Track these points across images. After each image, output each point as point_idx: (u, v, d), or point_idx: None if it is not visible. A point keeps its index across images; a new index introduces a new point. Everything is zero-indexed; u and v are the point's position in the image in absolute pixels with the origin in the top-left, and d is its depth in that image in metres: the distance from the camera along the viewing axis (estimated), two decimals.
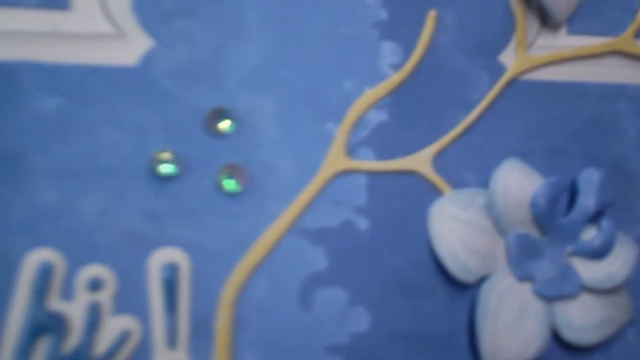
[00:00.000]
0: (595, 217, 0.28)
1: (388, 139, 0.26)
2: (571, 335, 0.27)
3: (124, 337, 0.22)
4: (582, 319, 0.27)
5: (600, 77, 0.29)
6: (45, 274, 0.22)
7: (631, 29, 0.29)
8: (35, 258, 0.22)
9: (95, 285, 0.22)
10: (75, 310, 0.22)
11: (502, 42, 0.28)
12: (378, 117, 0.26)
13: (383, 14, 0.26)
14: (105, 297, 0.22)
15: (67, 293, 0.22)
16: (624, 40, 0.29)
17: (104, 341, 0.22)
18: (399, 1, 0.26)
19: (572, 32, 0.29)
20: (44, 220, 0.22)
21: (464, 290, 0.26)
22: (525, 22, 0.28)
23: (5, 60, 0.22)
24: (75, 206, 0.22)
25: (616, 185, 0.29)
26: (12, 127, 0.22)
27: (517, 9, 0.28)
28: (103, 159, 0.23)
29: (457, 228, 0.26)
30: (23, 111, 0.22)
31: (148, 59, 0.23)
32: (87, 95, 0.23)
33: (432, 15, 0.27)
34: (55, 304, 0.22)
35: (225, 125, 0.24)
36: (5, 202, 0.22)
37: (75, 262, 0.22)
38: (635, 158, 0.29)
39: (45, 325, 0.21)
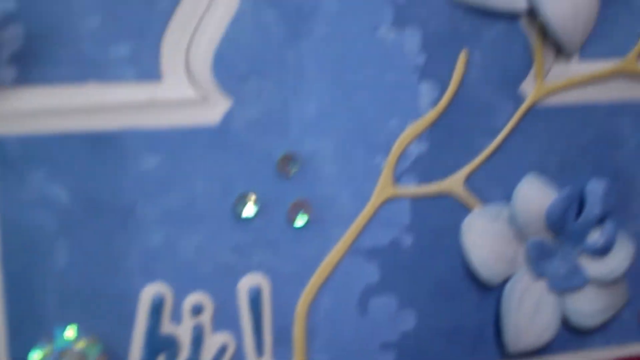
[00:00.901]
0: (599, 221, 0.33)
1: (427, 166, 0.31)
2: (579, 320, 0.33)
3: (222, 350, 0.28)
4: (588, 306, 0.33)
5: (607, 97, 0.34)
6: (158, 304, 0.27)
7: (635, 51, 0.33)
8: (150, 291, 0.27)
9: (197, 310, 0.27)
10: (183, 332, 0.27)
11: (523, 73, 0.32)
12: (418, 148, 0.31)
13: (421, 59, 0.30)
14: (205, 318, 0.27)
15: (176, 317, 0.27)
16: (629, 62, 0.34)
17: (207, 355, 0.27)
18: (433, 46, 0.30)
19: (583, 57, 0.33)
20: (154, 260, 0.27)
21: (491, 290, 0.32)
22: (543, 54, 0.32)
23: (109, 129, 0.26)
24: (178, 246, 0.27)
25: (618, 189, 0.34)
26: (123, 184, 0.26)
27: (536, 42, 0.32)
28: (198, 205, 0.27)
29: (485, 239, 0.31)
30: (130, 170, 0.27)
31: (228, 117, 0.28)
32: (180, 153, 0.27)
33: (463, 53, 0.31)
34: (168, 327, 0.27)
35: (293, 169, 0.28)
36: (122, 247, 0.27)
37: (181, 292, 0.27)
38: (635, 164, 0.34)
39: (161, 346, 0.27)
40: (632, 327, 0.35)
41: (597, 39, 0.33)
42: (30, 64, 0.25)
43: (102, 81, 0.26)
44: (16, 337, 0.25)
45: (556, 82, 0.32)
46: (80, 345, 0.25)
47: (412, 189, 0.30)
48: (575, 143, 0.33)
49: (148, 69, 0.27)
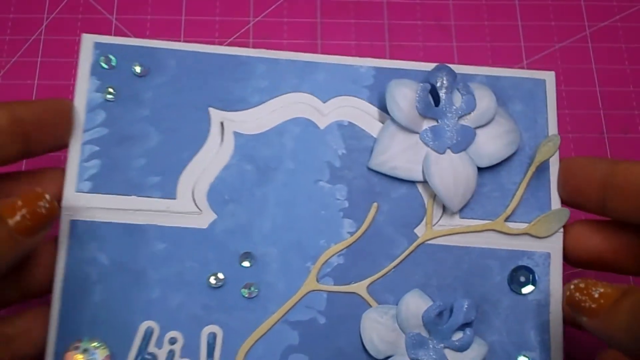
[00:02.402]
0: (463, 326, 0.48)
1: (342, 273, 0.47)
2: None
3: None
4: None
5: (480, 244, 0.49)
6: (149, 333, 0.44)
7: (502, 216, 0.50)
8: (145, 325, 0.44)
9: (173, 341, 0.44)
10: (161, 354, 0.44)
11: (417, 221, 0.49)
12: (337, 260, 0.48)
13: (346, 204, 0.48)
14: (177, 347, 0.45)
15: (159, 344, 0.45)
16: (497, 223, 0.50)
17: None
18: (355, 197, 0.48)
19: (463, 216, 0.49)
20: (151, 305, 0.44)
21: None
22: (433, 210, 0.49)
23: (139, 223, 0.45)
24: (167, 299, 0.45)
25: (483, 308, 0.49)
26: (140, 257, 0.45)
27: (428, 202, 0.49)
28: (184, 276, 0.45)
29: (376, 327, 0.47)
30: (147, 249, 0.45)
31: (212, 225, 0.46)
32: (179, 243, 0.45)
33: (374, 205, 0.48)
34: (152, 349, 0.45)
35: (248, 263, 0.46)
36: (133, 295, 0.44)
37: (164, 328, 0.45)
38: (498, 294, 0.49)
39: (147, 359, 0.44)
40: None
41: (475, 205, 0.49)
42: (99, 181, 0.44)
43: (139, 195, 0.45)
44: (62, 328, 0.43)
45: (441, 230, 0.49)
46: (94, 345, 0.42)
47: (329, 287, 0.47)
48: (453, 273, 0.49)
49: (169, 192, 0.45)
